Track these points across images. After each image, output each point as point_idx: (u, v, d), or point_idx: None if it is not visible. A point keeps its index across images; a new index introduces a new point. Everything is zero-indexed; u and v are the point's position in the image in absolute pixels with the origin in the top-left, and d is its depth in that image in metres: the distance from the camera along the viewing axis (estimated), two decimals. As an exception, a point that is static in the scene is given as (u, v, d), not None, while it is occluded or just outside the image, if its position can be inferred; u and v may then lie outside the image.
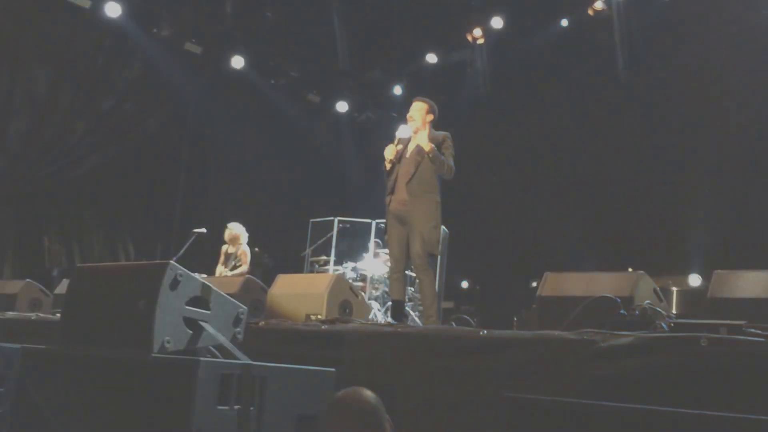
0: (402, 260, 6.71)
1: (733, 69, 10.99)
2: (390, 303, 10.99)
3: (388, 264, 11.34)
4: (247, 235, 10.72)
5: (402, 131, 6.91)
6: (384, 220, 11.80)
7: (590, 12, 12.62)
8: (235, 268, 10.46)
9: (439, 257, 7.66)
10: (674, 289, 9.82)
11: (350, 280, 8.99)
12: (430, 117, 6.78)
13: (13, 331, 6.45)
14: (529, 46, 12.99)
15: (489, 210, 12.16)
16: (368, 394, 3.09)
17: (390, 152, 6.68)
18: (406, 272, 7.65)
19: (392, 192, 6.69)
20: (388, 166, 6.71)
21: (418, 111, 6.75)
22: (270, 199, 13.96)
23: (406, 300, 7.34)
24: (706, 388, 3.45)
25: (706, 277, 6.38)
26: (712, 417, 2.71)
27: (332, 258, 12.38)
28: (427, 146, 6.53)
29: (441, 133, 6.77)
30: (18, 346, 4.07)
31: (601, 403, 3.06)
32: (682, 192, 11.43)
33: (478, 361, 4.25)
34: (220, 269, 10.59)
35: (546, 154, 12.94)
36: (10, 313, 7.99)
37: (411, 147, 6.73)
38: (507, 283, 12.63)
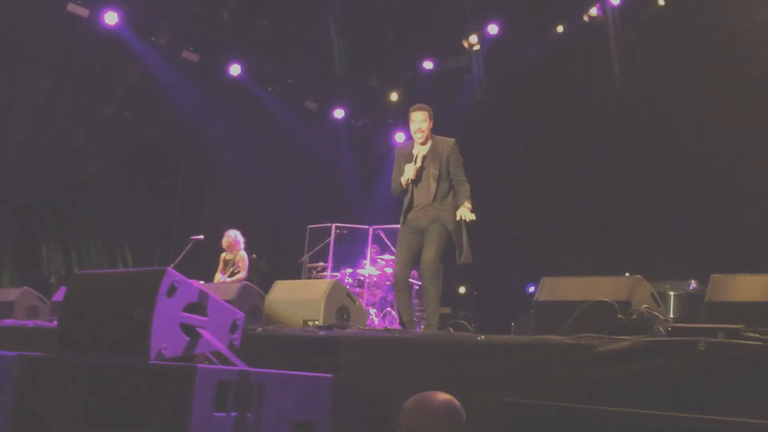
0: (408, 267, 6.59)
1: (728, 73, 11.02)
2: (387, 309, 11.04)
3: (386, 270, 11.41)
4: (244, 241, 10.72)
5: (402, 145, 6.85)
6: (381, 226, 11.94)
7: (586, 18, 12.66)
8: (233, 274, 10.46)
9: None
10: (671, 293, 9.80)
11: (348, 286, 8.98)
12: (431, 123, 6.69)
13: (10, 339, 6.44)
14: (525, 52, 13.02)
15: (486, 215, 12.14)
16: (447, 396, 3.17)
17: (411, 172, 6.53)
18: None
19: (409, 209, 6.59)
20: (404, 184, 6.58)
21: (424, 121, 6.64)
22: (267, 205, 13.95)
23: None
24: (704, 392, 3.45)
25: (704, 281, 6.38)
26: (711, 421, 2.72)
27: (330, 264, 12.40)
28: (468, 215, 6.41)
29: (449, 140, 6.67)
30: (15, 353, 4.06)
31: (600, 407, 3.06)
32: (679, 196, 11.45)
33: (475, 367, 4.25)
34: (219, 277, 10.59)
35: (542, 159, 12.97)
36: (8, 320, 7.97)
37: (424, 161, 6.61)
38: (504, 289, 12.63)
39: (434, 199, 6.51)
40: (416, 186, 6.60)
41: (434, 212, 6.49)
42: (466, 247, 6.49)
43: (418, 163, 6.57)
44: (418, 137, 6.64)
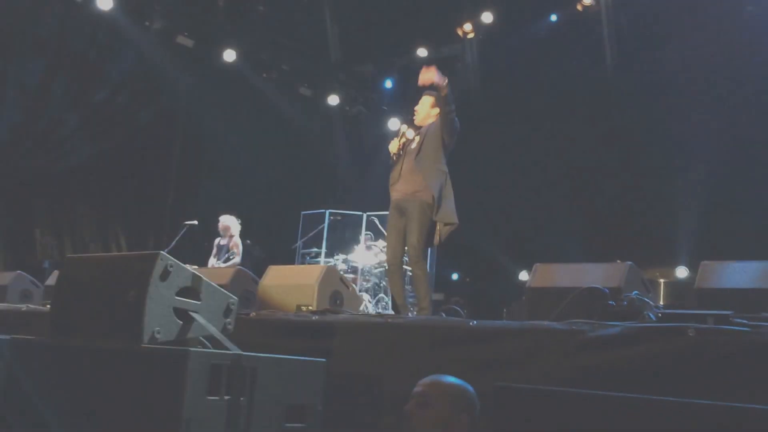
0: (399, 251, 6.60)
1: (720, 63, 11.04)
2: (381, 295, 11.07)
3: (379, 256, 11.42)
4: (239, 227, 10.73)
5: (395, 126, 6.88)
6: (374, 213, 11.95)
7: (579, 7, 12.68)
8: (227, 259, 10.48)
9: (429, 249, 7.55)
10: (661, 280, 9.87)
11: (341, 272, 9.01)
12: (432, 110, 6.68)
13: (3, 323, 6.44)
14: (519, 40, 13.02)
15: (479, 202, 12.18)
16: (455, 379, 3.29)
17: (393, 146, 6.65)
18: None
19: (396, 181, 6.60)
20: (392, 158, 6.69)
21: (423, 104, 6.69)
22: (261, 191, 13.95)
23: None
24: (693, 378, 3.47)
25: (693, 268, 6.41)
26: (699, 406, 2.74)
27: (323, 250, 12.41)
28: (443, 90, 6.38)
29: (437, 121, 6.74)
30: (8, 337, 4.06)
31: (590, 392, 3.08)
32: (670, 184, 11.50)
33: (468, 352, 4.26)
34: (213, 261, 10.61)
35: (535, 147, 12.97)
36: (1, 304, 7.97)
37: (415, 138, 6.69)
38: (497, 275, 12.67)
39: (421, 164, 6.47)
40: (404, 163, 6.60)
41: (414, 191, 6.46)
42: (446, 207, 6.42)
43: (403, 139, 6.65)
44: (415, 118, 6.71)
